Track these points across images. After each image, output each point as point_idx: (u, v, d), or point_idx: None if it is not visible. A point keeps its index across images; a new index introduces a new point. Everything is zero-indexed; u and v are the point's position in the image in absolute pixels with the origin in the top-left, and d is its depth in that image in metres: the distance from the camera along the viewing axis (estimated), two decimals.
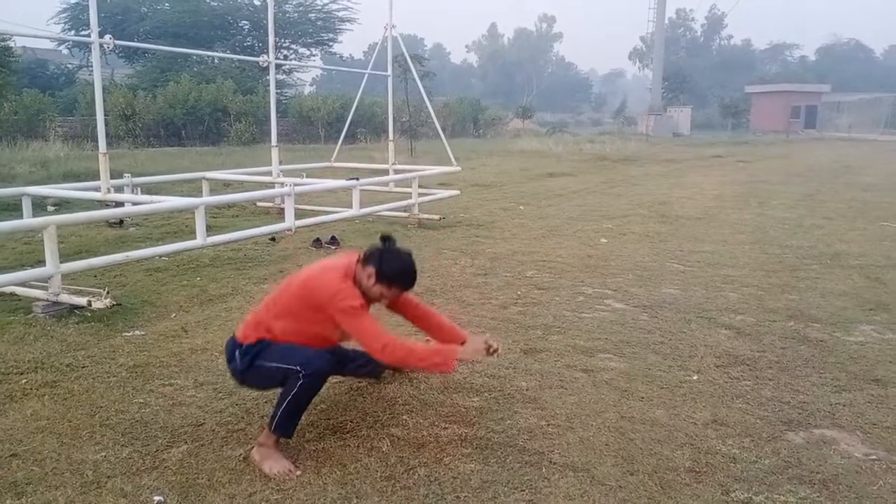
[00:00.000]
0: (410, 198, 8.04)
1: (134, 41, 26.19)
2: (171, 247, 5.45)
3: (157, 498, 2.32)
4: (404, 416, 2.94)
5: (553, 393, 3.21)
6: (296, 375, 2.51)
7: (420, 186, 8.19)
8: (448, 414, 2.96)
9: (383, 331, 2.60)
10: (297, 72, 37.48)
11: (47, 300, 4.30)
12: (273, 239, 6.92)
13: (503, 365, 3.51)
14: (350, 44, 54.95)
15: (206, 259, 6.05)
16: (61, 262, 4.39)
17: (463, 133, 34.42)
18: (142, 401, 3.09)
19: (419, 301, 3.02)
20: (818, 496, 2.38)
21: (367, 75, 9.96)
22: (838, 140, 35.14)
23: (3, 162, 13.05)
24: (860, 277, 5.60)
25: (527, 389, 3.24)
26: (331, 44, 37.23)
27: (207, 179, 8.28)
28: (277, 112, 9.16)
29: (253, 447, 2.60)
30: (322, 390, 2.70)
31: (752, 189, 12.37)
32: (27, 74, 26.78)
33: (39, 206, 7.92)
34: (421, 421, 2.90)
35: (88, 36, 5.50)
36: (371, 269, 2.65)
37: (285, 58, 32.87)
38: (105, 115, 6.40)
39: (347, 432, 2.80)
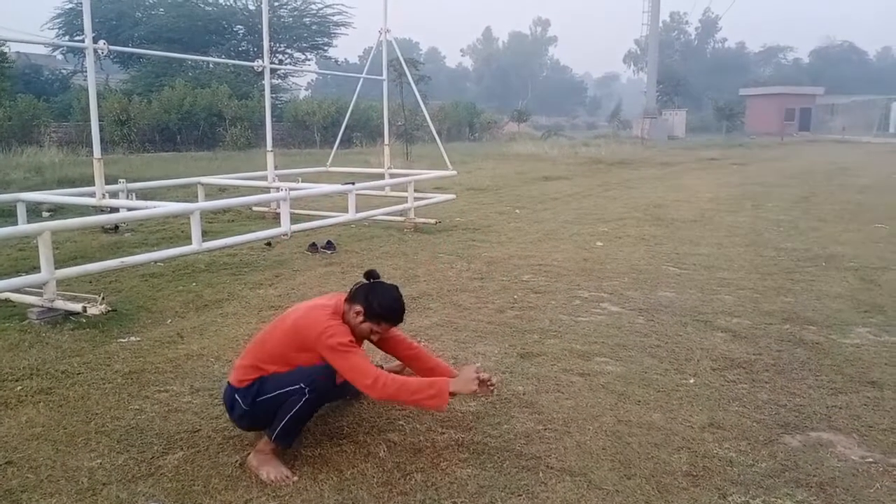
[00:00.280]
0: (406, 202, 8.05)
1: (129, 46, 26.22)
2: (167, 252, 5.43)
3: None
4: (401, 422, 2.94)
5: (550, 397, 3.21)
6: (300, 392, 2.51)
7: (416, 190, 8.20)
8: (444, 419, 2.95)
9: (373, 367, 2.58)
10: (293, 76, 37.58)
11: (42, 306, 4.29)
12: (269, 244, 6.92)
13: (499, 369, 3.51)
14: (345, 48, 55.11)
15: (201, 264, 6.04)
16: (56, 268, 4.38)
17: (458, 137, 34.47)
18: (137, 407, 3.08)
19: (412, 341, 3.02)
20: (815, 499, 2.38)
21: (362, 79, 9.98)
22: (832, 142, 35.29)
23: None
24: (855, 279, 5.62)
25: (523, 393, 3.24)
26: (326, 48, 37.40)
27: (203, 184, 8.27)
28: (273, 116, 9.16)
29: (249, 453, 2.59)
30: None
31: (746, 191, 12.41)
32: (21, 80, 26.72)
33: (34, 212, 7.90)
34: (417, 426, 2.89)
35: (83, 41, 5.49)
36: (359, 307, 2.65)
37: (280, 62, 32.93)
38: (100, 120, 6.38)
39: (344, 438, 2.80)
